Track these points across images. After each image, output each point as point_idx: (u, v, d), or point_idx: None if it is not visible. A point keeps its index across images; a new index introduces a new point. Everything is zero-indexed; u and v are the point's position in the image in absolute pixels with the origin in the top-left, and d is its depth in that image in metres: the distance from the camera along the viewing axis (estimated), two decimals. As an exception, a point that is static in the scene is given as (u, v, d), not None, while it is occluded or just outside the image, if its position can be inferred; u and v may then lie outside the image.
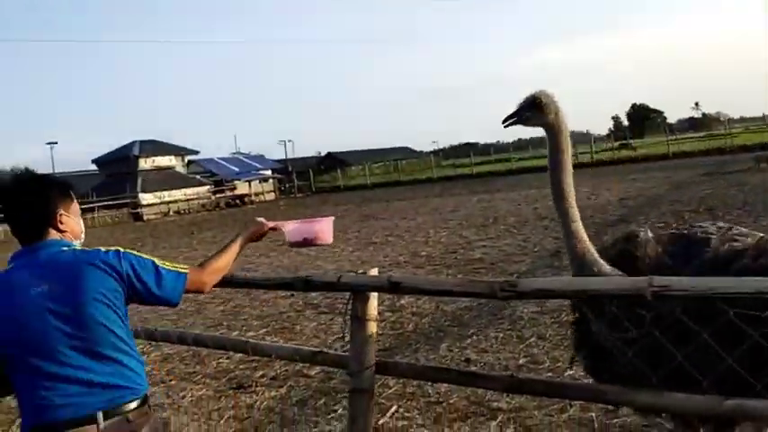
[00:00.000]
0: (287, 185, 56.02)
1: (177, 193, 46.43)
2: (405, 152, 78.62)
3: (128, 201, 43.23)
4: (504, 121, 2.84)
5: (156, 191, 45.50)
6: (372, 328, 2.71)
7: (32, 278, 2.15)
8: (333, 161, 69.08)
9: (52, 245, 2.24)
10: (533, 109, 2.70)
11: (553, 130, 2.70)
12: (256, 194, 50.79)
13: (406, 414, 4.77)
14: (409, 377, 3.68)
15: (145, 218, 42.11)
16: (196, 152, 53.06)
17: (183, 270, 2.40)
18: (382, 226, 19.29)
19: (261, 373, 6.05)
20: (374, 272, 2.80)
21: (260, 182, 53.50)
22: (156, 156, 48.28)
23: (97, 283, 2.17)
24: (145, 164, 47.24)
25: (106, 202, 42.21)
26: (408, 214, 22.09)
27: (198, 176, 51.18)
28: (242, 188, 51.27)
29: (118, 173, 47.07)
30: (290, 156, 67.03)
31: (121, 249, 2.31)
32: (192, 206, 45.85)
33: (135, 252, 2.34)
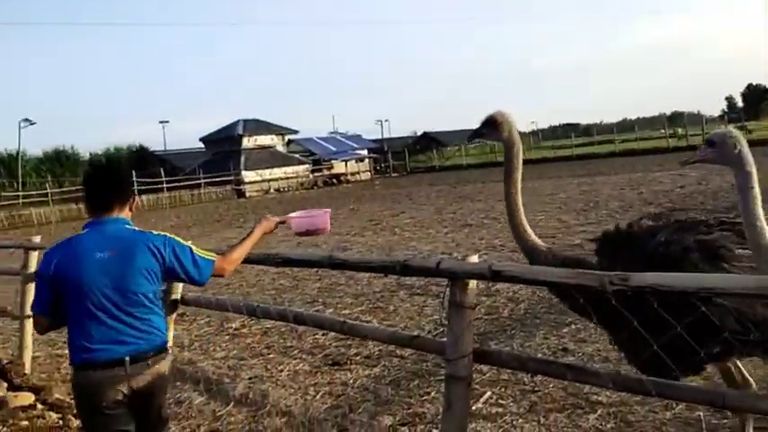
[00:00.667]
0: (382, 165, 56.43)
1: (278, 172, 47.83)
2: (502, 133, 77.07)
3: (231, 178, 44.96)
4: (468, 138, 3.56)
5: (258, 169, 47.04)
6: (470, 315, 2.66)
7: (98, 245, 2.72)
8: (428, 141, 68.83)
9: (118, 221, 2.81)
10: (490, 127, 3.22)
11: (507, 144, 3.22)
12: (352, 174, 51.51)
13: (500, 401, 4.70)
14: (509, 367, 3.60)
15: (247, 195, 43.70)
16: (296, 132, 54.33)
17: (212, 258, 2.92)
18: (478, 208, 19.06)
19: (355, 351, 6.14)
20: (474, 259, 2.74)
21: (356, 161, 54.17)
22: (258, 135, 49.81)
23: (145, 260, 2.72)
24: (248, 143, 48.87)
25: (212, 179, 44.14)
26: (504, 196, 21.65)
27: (297, 155, 52.45)
28: (338, 167, 52.13)
29: (222, 151, 49.00)
30: (386, 135, 67.47)
31: (168, 235, 2.85)
32: (291, 184, 47.12)
33: (178, 238, 2.88)
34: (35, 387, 5.36)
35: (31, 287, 6.12)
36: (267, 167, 47.59)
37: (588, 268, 2.63)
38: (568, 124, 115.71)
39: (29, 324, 6.03)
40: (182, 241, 2.87)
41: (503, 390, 4.89)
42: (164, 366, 2.85)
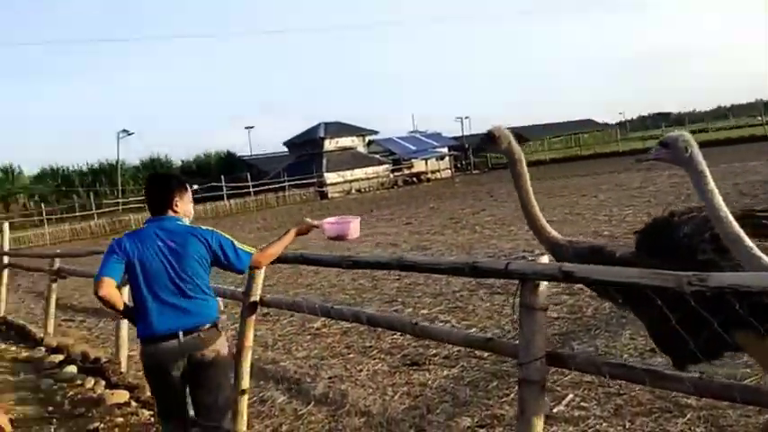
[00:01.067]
0: (463, 162, 55.97)
1: (359, 172, 48.39)
2: (588, 125, 74.81)
3: (314, 180, 45.86)
4: (473, 153, 3.99)
5: (340, 170, 47.72)
6: (542, 317, 2.58)
7: (158, 236, 3.34)
8: (510, 137, 67.52)
9: (171, 219, 3.43)
10: (490, 142, 3.49)
11: (508, 155, 3.43)
12: (432, 172, 51.41)
13: (583, 404, 4.56)
14: (584, 372, 3.49)
15: (329, 196, 44.46)
16: (376, 132, 54.73)
17: (250, 250, 3.53)
18: (560, 203, 18.59)
19: (434, 351, 6.11)
20: (545, 259, 2.67)
21: (436, 160, 53.96)
22: (339, 137, 50.54)
23: (195, 248, 3.33)
24: (329, 145, 49.67)
25: (295, 182, 45.20)
26: (589, 191, 21.04)
27: (377, 156, 52.82)
28: (419, 166, 52.11)
29: (306, 154, 50.06)
30: (466, 133, 66.68)
31: (214, 230, 3.48)
32: (372, 184, 47.57)
33: (222, 232, 3.51)
34: (130, 385, 5.65)
35: (125, 290, 6.50)
36: (348, 169, 48.22)
37: (608, 256, 2.89)
38: (659, 114, 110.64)
39: (124, 324, 6.38)
40: (225, 235, 3.50)
41: (586, 392, 4.74)
42: (215, 340, 3.39)
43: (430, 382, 5.46)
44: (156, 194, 3.49)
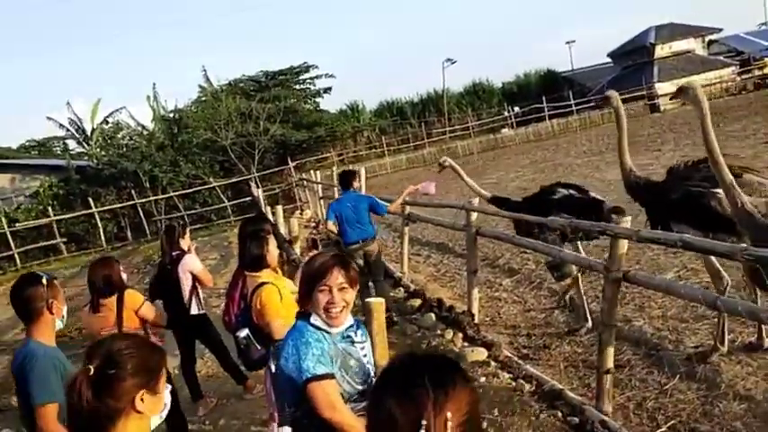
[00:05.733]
0: (837, 55, 45.56)
1: (697, 79, 42.46)
2: None
3: (643, 92, 42.12)
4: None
5: (674, 79, 42.78)
6: None
7: (347, 201, 7.29)
8: None
9: (350, 192, 7.42)
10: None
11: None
12: (795, 71, 42.97)
13: None
14: None
15: (662, 109, 40.47)
16: (718, 30, 47.56)
17: (386, 205, 7.64)
18: None
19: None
20: None
21: (800, 55, 44.89)
22: (672, 41, 45.19)
23: (362, 204, 7.25)
24: (661, 51, 44.79)
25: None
26: None
27: (721, 57, 46.07)
28: (774, 65, 44.05)
29: (633, 64, 46.12)
30: (841, 15, 53.79)
31: (370, 194, 8.28)
32: (714, 91, 41.77)
33: (372, 195, 8.17)
34: (485, 342, 5.80)
35: (473, 245, 6.75)
36: (684, 76, 42.87)
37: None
38: None
39: (474, 282, 6.69)
40: (373, 196, 7.88)
41: None
42: (374, 242, 7.26)
43: None
44: (345, 182, 7.41)
